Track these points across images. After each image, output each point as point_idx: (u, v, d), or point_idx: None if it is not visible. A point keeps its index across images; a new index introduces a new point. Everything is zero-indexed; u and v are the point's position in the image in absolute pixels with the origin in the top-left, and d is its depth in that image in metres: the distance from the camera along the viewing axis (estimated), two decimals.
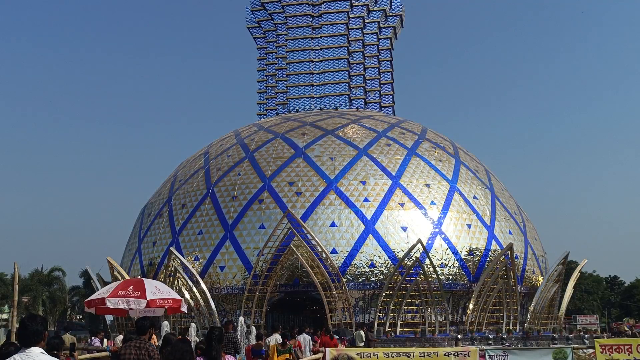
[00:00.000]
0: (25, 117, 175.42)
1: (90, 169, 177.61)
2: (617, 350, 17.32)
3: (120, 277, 43.07)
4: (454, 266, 44.52)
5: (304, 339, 21.85)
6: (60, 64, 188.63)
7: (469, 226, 46.18)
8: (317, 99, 63.48)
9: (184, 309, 14.30)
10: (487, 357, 17.87)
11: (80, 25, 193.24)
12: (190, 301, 42.34)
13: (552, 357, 17.87)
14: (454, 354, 16.95)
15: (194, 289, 42.53)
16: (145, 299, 12.90)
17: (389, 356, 16.84)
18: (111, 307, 12.78)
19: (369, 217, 43.92)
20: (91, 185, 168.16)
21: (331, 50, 64.75)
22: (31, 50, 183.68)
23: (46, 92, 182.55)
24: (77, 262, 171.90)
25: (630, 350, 17.19)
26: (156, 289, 13.43)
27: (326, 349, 17.86)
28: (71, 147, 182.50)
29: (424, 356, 16.71)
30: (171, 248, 44.08)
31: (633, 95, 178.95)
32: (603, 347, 17.53)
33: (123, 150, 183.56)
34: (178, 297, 14.08)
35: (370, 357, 16.92)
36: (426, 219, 45.01)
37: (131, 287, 13.20)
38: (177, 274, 42.87)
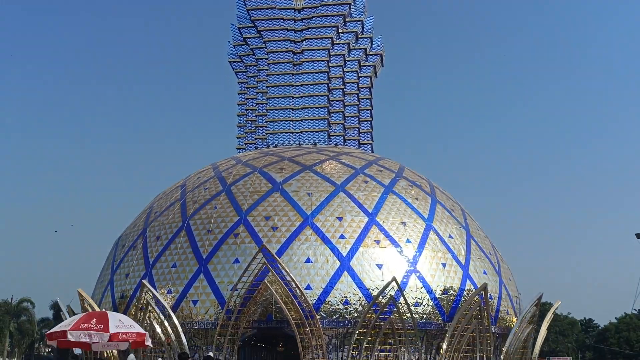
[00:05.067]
0: None
1: (63, 199, 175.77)
2: None
3: (90, 310, 42.36)
4: (428, 305, 44.35)
5: None
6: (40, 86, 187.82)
7: (444, 265, 46.23)
8: (296, 135, 63.73)
9: (148, 343, 14.05)
10: None
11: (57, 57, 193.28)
12: (162, 335, 41.62)
13: None
14: None
15: (166, 323, 41.87)
16: (108, 332, 12.66)
17: None
18: (72, 340, 12.50)
19: (344, 254, 43.77)
20: (64, 214, 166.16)
21: (311, 86, 65.31)
22: None
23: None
24: (47, 293, 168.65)
25: None
26: (120, 322, 13.20)
27: None
28: (43, 176, 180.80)
29: None
30: (144, 281, 43.48)
31: (619, 141, 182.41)
32: None
33: (98, 180, 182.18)
34: (142, 330, 13.85)
35: None
36: (401, 257, 44.96)
37: (94, 320, 12.96)
38: (149, 308, 42.21)
